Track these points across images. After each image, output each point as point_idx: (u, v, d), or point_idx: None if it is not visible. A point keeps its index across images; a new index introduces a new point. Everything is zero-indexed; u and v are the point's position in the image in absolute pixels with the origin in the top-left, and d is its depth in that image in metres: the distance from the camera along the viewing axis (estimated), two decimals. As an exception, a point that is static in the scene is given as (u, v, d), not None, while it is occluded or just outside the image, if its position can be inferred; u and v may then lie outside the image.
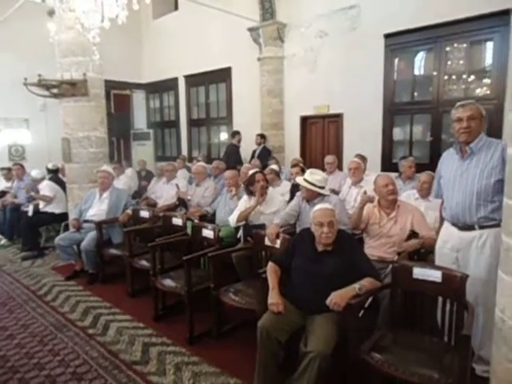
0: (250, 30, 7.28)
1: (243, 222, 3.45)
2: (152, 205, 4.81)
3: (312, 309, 2.16)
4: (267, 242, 2.94)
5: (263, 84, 7.32)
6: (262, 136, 7.21)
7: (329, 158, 5.29)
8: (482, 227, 2.19)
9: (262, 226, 3.36)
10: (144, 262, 3.53)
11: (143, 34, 9.95)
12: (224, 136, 8.68)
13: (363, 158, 5.07)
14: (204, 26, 8.33)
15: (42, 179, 5.49)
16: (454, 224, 2.35)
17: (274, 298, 2.19)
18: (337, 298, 2.03)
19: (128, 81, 9.58)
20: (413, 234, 2.89)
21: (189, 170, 7.17)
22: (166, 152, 10.15)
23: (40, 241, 5.42)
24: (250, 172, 3.60)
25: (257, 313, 2.49)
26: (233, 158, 7.05)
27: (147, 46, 9.91)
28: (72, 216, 4.45)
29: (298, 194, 3.46)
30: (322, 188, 3.13)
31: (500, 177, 2.09)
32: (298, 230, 3.33)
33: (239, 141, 7.35)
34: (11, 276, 4.38)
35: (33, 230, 5.23)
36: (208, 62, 8.34)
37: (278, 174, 4.69)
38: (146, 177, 7.79)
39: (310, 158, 7.06)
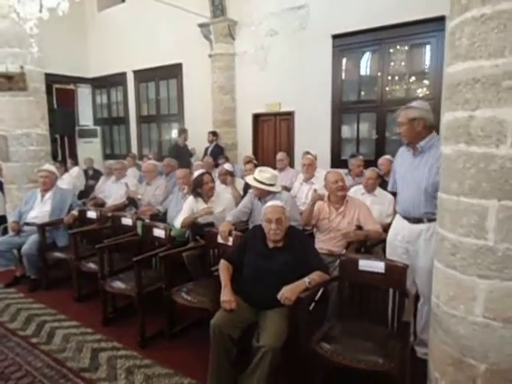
0: (201, 26, 7.19)
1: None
2: (100, 205, 4.62)
3: (264, 304, 2.20)
4: (220, 239, 2.94)
5: (214, 81, 7.27)
6: (214, 133, 7.17)
7: (280, 155, 5.38)
8: (430, 220, 2.31)
9: (211, 225, 3.34)
10: (91, 265, 3.39)
11: (88, 26, 9.48)
12: (175, 133, 8.51)
13: (309, 155, 5.22)
14: (153, 20, 8.10)
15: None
16: (405, 217, 2.47)
17: (226, 296, 2.20)
18: (287, 293, 2.08)
19: (72, 75, 9.09)
20: (359, 229, 3.02)
21: (139, 168, 6.95)
22: (114, 150, 9.77)
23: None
24: (196, 173, 3.55)
25: (210, 311, 2.49)
26: (180, 159, 6.83)
27: (93, 39, 9.47)
28: (11, 219, 4.16)
29: (251, 191, 3.49)
30: (272, 185, 3.17)
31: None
32: (250, 226, 3.36)
33: (185, 139, 7.19)
34: None
35: (-34, 234, 4.82)
36: (158, 58, 8.12)
37: (231, 173, 4.68)
38: (93, 176, 7.46)
39: (262, 155, 7.14)
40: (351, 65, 6.19)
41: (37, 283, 3.87)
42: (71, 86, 9.39)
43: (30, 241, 3.80)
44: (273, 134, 7.11)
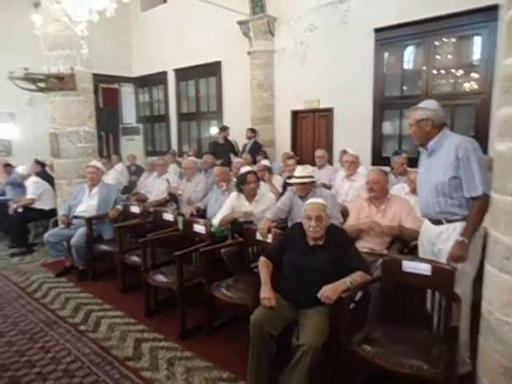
0: (240, 23, 7.23)
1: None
2: (142, 200, 4.78)
3: (303, 302, 2.18)
4: (259, 236, 2.95)
5: (253, 78, 7.29)
6: (253, 130, 7.19)
7: (319, 152, 5.31)
8: (449, 221, 2.22)
9: (251, 223, 3.36)
10: (135, 258, 3.51)
11: (131, 26, 9.80)
12: (214, 130, 8.63)
13: (344, 152, 5.14)
14: (193, 19, 8.24)
15: (29, 176, 5.41)
16: (427, 219, 2.40)
17: (266, 293, 2.20)
18: (328, 292, 2.05)
19: (117, 74, 9.45)
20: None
21: (179, 164, 7.11)
22: (155, 147, 10.07)
23: (29, 237, 5.35)
24: (242, 170, 3.57)
25: (249, 307, 2.51)
26: (218, 156, 6.88)
27: (136, 39, 9.78)
28: (61, 212, 4.39)
29: (290, 188, 3.47)
30: (312, 177, 3.18)
31: (454, 174, 2.14)
32: (289, 224, 3.35)
33: (225, 137, 7.25)
34: (-1, 273, 4.33)
35: (21, 226, 5.16)
36: (198, 56, 8.27)
37: (269, 169, 4.68)
38: (135, 172, 7.72)
39: (300, 152, 7.07)
40: (394, 59, 5.99)
41: (84, 274, 4.07)
42: (115, 86, 9.75)
43: (79, 233, 4.00)
44: (311, 131, 7.03)
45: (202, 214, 4.10)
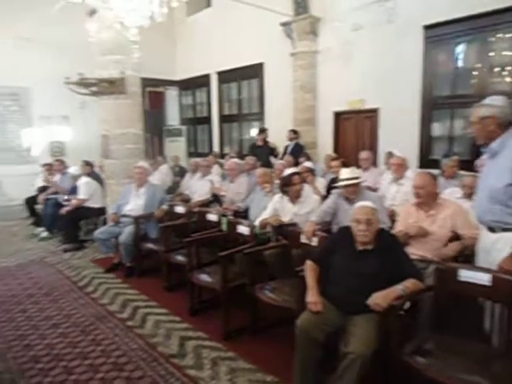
0: (283, 24, 7.22)
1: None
2: (186, 200, 4.88)
3: (352, 309, 2.12)
4: (303, 239, 2.92)
5: (296, 79, 7.25)
6: (295, 132, 7.14)
7: (364, 154, 5.18)
8: (504, 230, 2.07)
9: (294, 225, 3.32)
10: (180, 257, 3.59)
11: (177, 31, 10.06)
12: (255, 132, 8.66)
13: (390, 154, 4.95)
14: (236, 22, 8.33)
15: (80, 176, 5.68)
16: (481, 224, 2.26)
17: (312, 297, 2.17)
18: (379, 299, 1.98)
19: (162, 78, 9.74)
20: (456, 236, 2.77)
21: (221, 166, 7.20)
22: (197, 148, 10.27)
23: (80, 234, 5.62)
24: (287, 172, 3.55)
25: (294, 311, 2.48)
26: (258, 158, 6.87)
27: (181, 44, 10.04)
28: (110, 211, 4.58)
29: (335, 191, 3.41)
30: (359, 178, 3.13)
31: (510, 181, 1.98)
32: (333, 227, 3.29)
33: (264, 139, 7.24)
34: (53, 267, 4.57)
35: (73, 223, 5.42)
36: (240, 58, 8.35)
37: (312, 171, 4.62)
38: (178, 173, 7.91)
39: (343, 154, 6.90)
40: (444, 57, 5.73)
41: (131, 270, 4.21)
42: (161, 89, 10.06)
43: (127, 231, 4.15)
44: (354, 133, 6.88)
45: (243, 214, 4.12)
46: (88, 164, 6.05)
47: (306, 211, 3.38)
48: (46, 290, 3.89)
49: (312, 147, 7.23)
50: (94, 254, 4.97)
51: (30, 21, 7.50)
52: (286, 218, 3.41)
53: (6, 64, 7.55)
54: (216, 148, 9.41)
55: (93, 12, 4.45)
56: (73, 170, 5.70)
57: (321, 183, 4.80)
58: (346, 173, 3.16)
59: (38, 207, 6.27)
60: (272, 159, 7.02)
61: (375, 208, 2.30)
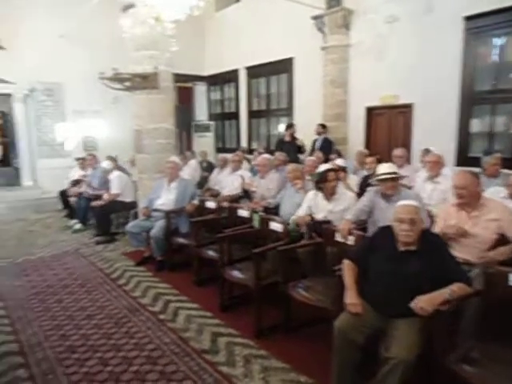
0: (315, 18, 7.07)
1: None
2: (216, 195, 4.87)
3: (393, 312, 2.03)
4: (338, 237, 2.84)
5: (326, 74, 7.10)
6: (323, 126, 7.02)
7: (398, 152, 5.00)
8: None
9: (328, 222, 3.25)
10: (211, 252, 3.58)
11: (206, 27, 10.07)
12: (283, 128, 8.59)
13: (428, 152, 4.75)
14: (266, 17, 8.25)
15: (112, 170, 5.77)
16: None
17: (351, 298, 2.10)
18: (423, 303, 1.88)
19: (191, 73, 9.77)
20: (502, 239, 2.61)
21: (248, 161, 7.17)
22: (225, 143, 10.29)
23: (111, 227, 5.72)
24: (322, 168, 3.46)
25: (328, 311, 2.42)
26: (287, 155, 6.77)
27: (209, 39, 10.04)
28: (142, 205, 4.63)
29: (370, 188, 3.30)
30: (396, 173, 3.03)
31: None
32: (369, 226, 3.19)
33: (292, 134, 7.15)
34: (87, 259, 4.67)
35: (105, 216, 5.53)
36: (269, 53, 8.27)
37: (344, 169, 4.51)
38: (207, 168, 7.94)
39: (374, 150, 6.71)
40: (486, 49, 5.46)
41: (162, 264, 4.24)
42: (189, 84, 10.11)
43: (158, 225, 4.18)
44: (387, 128, 6.68)
45: (274, 211, 4.06)
46: (111, 159, 6.16)
47: (340, 208, 3.29)
48: (81, 281, 3.97)
49: (342, 143, 7.08)
50: (125, 247, 5.04)
51: (65, 18, 7.69)
52: (319, 215, 3.35)
53: (42, 60, 7.77)
54: (244, 143, 9.38)
55: (127, 7, 4.47)
56: (105, 164, 5.80)
57: (353, 180, 4.68)
58: (384, 168, 3.05)
59: (72, 200, 6.43)
60: (299, 155, 6.94)
61: (418, 207, 2.20)
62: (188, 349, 2.71)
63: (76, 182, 6.64)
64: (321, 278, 2.86)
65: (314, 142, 7.08)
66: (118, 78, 4.59)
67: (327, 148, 6.53)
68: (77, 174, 6.94)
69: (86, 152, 7.51)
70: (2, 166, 8.29)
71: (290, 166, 4.18)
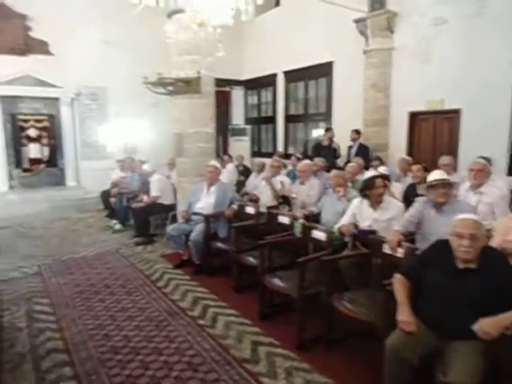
0: (357, 21, 6.93)
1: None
2: (254, 200, 4.82)
3: (451, 333, 1.90)
4: (386, 249, 2.71)
5: (367, 78, 6.94)
6: (357, 132, 6.86)
7: (445, 160, 4.76)
8: None
9: (372, 233, 3.12)
10: (251, 259, 3.54)
11: (245, 32, 10.12)
12: (318, 133, 8.48)
13: (487, 160, 4.47)
14: (305, 21, 8.18)
15: (153, 172, 5.87)
16: None
17: (405, 316, 1.98)
18: (488, 327, 1.75)
19: (229, 78, 9.85)
20: None
21: (284, 166, 7.09)
22: (261, 148, 10.27)
23: (150, 228, 5.82)
24: (368, 174, 3.35)
25: (375, 326, 2.31)
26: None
27: (248, 44, 10.08)
28: (181, 208, 4.67)
29: (419, 199, 3.15)
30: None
31: None
32: (417, 238, 3.04)
33: (330, 138, 7.02)
34: (127, 259, 4.75)
35: (144, 218, 5.63)
36: (308, 57, 8.17)
37: (388, 177, 4.33)
38: (243, 172, 7.95)
39: (417, 157, 6.46)
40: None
41: (200, 268, 4.24)
42: (227, 89, 10.18)
43: (197, 229, 4.19)
44: (432, 135, 6.41)
45: (316, 219, 3.98)
46: (142, 163, 6.26)
47: (387, 217, 3.15)
48: (122, 281, 4.04)
49: (383, 149, 6.87)
50: (163, 249, 5.10)
51: (110, 25, 7.97)
52: (364, 224, 3.23)
53: (87, 65, 8.07)
54: (280, 148, 9.33)
55: (173, 13, 4.54)
56: (147, 166, 5.92)
57: (397, 188, 4.50)
58: (436, 174, 2.90)
59: (112, 200, 6.61)
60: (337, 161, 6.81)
61: (479, 221, 2.05)
62: (228, 357, 2.67)
63: (117, 184, 6.83)
64: (364, 291, 2.76)
65: (350, 148, 6.92)
66: (161, 83, 4.67)
67: (363, 154, 6.37)
68: (117, 175, 7.14)
69: (126, 154, 7.71)
70: (49, 166, 8.65)
71: (333, 172, 4.08)
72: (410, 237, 3.06)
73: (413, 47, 6.37)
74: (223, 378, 2.44)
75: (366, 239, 2.93)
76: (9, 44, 7.72)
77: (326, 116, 8.19)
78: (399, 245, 2.65)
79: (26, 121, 8.27)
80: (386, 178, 4.30)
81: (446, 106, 6.07)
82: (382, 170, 4.60)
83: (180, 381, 2.42)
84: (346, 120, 7.44)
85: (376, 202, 3.20)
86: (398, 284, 2.15)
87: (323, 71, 8.09)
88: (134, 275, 4.22)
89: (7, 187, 8.09)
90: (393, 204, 3.25)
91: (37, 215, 7.01)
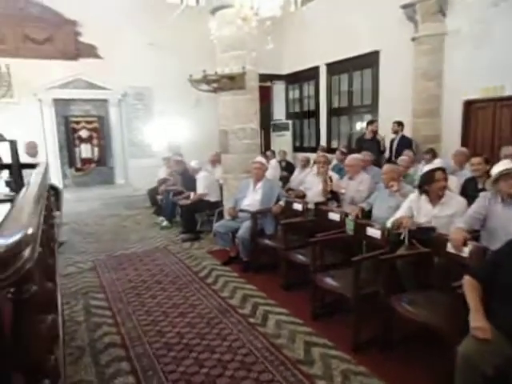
0: (404, 6, 6.59)
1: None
2: (301, 196, 4.73)
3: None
4: (450, 248, 2.53)
5: (417, 66, 6.59)
6: (399, 123, 6.55)
7: (508, 150, 4.43)
8: None
9: (432, 230, 2.92)
10: (301, 257, 3.46)
11: (285, 25, 9.96)
12: (360, 126, 8.21)
13: None
14: (347, 10, 7.90)
15: (200, 169, 5.93)
16: None
17: (479, 322, 1.82)
18: None
19: (270, 73, 9.76)
20: None
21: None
22: (303, 142, 10.12)
23: (196, 225, 5.89)
24: (426, 168, 3.15)
25: (444, 331, 2.15)
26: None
27: (289, 37, 9.91)
28: (228, 205, 4.67)
29: (483, 194, 2.91)
30: None
31: None
32: (483, 236, 2.82)
33: (374, 131, 6.74)
34: (175, 256, 4.83)
35: (191, 215, 5.70)
36: (352, 48, 7.91)
37: (444, 170, 4.07)
38: (286, 167, 7.88)
39: (474, 148, 6.08)
40: None
41: (248, 265, 4.22)
42: (268, 83, 10.10)
43: (244, 226, 4.17)
44: (491, 124, 5.99)
45: (367, 215, 3.81)
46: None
47: (447, 214, 2.94)
48: (171, 277, 4.11)
49: (435, 141, 6.52)
50: (210, 246, 5.14)
51: (155, 27, 8.15)
52: (421, 220, 3.03)
53: (133, 67, 8.32)
54: (323, 142, 9.13)
55: (217, 9, 4.53)
56: (194, 163, 6.00)
57: (452, 182, 4.22)
58: (504, 164, 2.67)
59: (159, 197, 6.76)
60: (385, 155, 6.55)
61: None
62: (281, 357, 2.62)
63: (163, 181, 6.99)
64: (424, 292, 2.59)
65: (392, 141, 6.64)
66: (206, 80, 4.67)
67: (406, 147, 6.07)
68: (164, 173, 7.31)
69: (171, 152, 7.87)
70: (99, 165, 9.03)
71: (386, 167, 3.89)
72: (474, 234, 2.86)
73: (467, 31, 5.98)
74: (277, 378, 2.38)
75: (428, 237, 2.75)
76: (61, 49, 8.13)
77: (372, 108, 7.90)
78: (464, 243, 2.46)
79: (77, 122, 8.68)
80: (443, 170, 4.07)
81: (506, 93, 5.63)
82: (437, 162, 4.34)
83: (234, 380, 2.39)
84: (394, 111, 7.11)
85: (436, 197, 2.99)
86: (469, 287, 1.98)
87: (369, 61, 7.79)
88: (183, 272, 4.27)
89: (62, 186, 8.53)
90: (455, 200, 3.03)
91: (89, 212, 7.33)
